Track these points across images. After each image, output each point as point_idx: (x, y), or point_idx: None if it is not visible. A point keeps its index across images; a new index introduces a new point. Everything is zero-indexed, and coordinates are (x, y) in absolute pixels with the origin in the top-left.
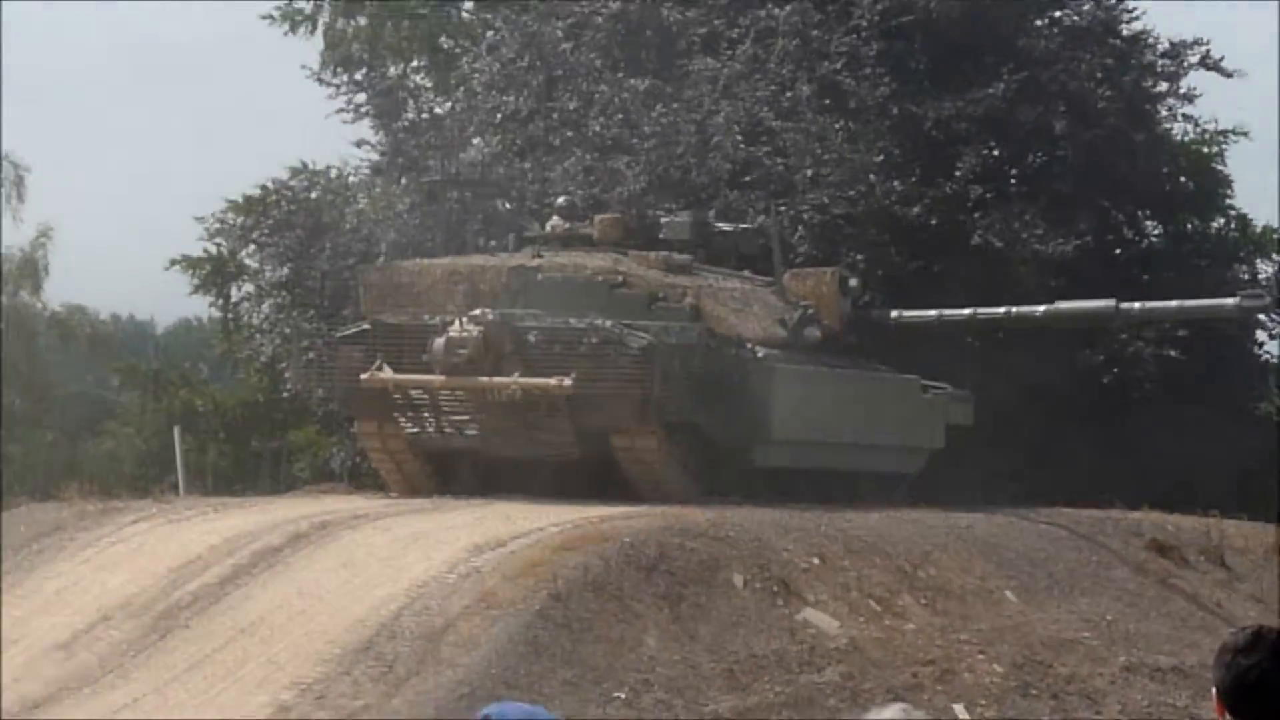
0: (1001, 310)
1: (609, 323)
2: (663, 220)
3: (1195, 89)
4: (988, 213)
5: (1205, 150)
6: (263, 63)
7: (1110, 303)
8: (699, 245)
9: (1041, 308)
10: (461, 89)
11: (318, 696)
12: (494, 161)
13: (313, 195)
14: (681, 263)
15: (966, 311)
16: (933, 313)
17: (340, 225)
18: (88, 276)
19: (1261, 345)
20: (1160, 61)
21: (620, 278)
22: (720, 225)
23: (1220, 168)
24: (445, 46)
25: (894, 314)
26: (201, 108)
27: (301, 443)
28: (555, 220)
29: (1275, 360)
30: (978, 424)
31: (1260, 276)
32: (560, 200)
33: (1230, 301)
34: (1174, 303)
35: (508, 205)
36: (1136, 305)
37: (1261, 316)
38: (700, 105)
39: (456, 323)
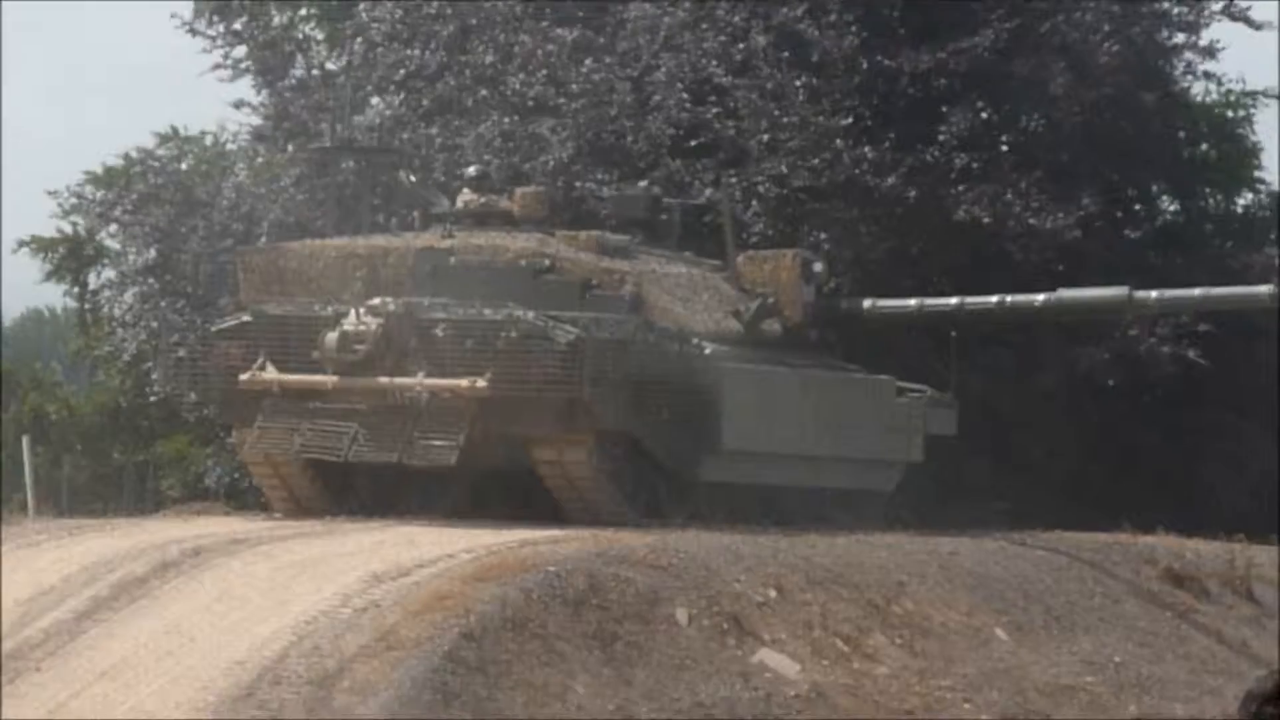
0: (994, 299)
1: (531, 314)
2: (606, 194)
3: (1218, 42)
4: (974, 184)
5: (1230, 114)
6: (124, 10)
7: (1122, 290)
8: (644, 225)
9: (1041, 296)
10: (358, 41)
11: None
12: (396, 126)
13: (184, 166)
14: (618, 244)
15: (953, 301)
16: (912, 302)
17: (216, 201)
18: None
19: None
20: (1176, 10)
21: (547, 261)
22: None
23: (1248, 134)
24: None
25: (866, 303)
26: (53, 64)
27: (171, 455)
28: (467, 194)
29: None
30: (962, 433)
31: None
32: (471, 170)
33: (1265, 289)
34: (1197, 290)
35: (412, 177)
36: (1153, 294)
37: None
38: (637, 59)
39: (352, 314)
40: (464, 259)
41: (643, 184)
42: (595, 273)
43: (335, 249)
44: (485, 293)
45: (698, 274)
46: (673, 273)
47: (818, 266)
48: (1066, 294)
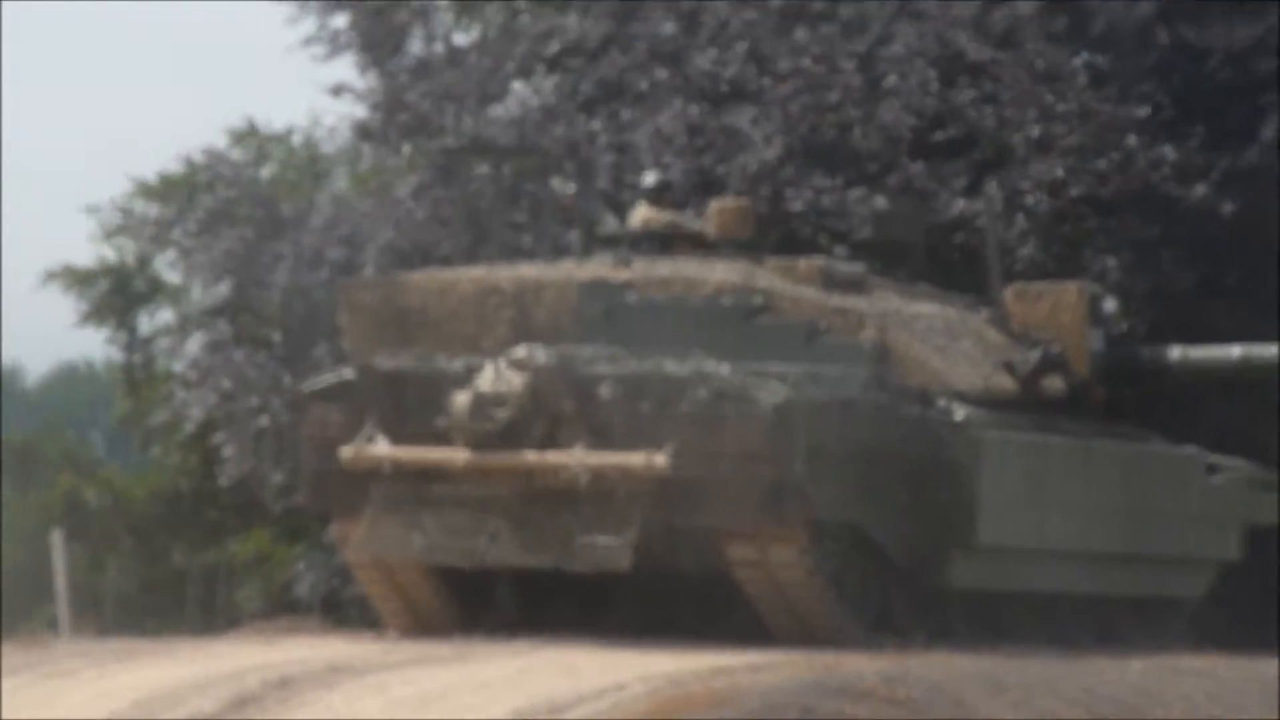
0: None
1: (726, 368)
2: (863, 209)
3: None
4: None
5: None
6: None
7: None
8: (898, 252)
9: None
10: (495, 6)
11: None
12: (546, 119)
13: (265, 172)
14: (850, 276)
15: None
16: (1236, 351)
17: (308, 219)
18: None
19: None
20: None
21: (759, 299)
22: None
23: None
24: None
25: (1174, 353)
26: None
27: (249, 556)
28: (645, 209)
29: None
30: None
31: None
32: (650, 178)
33: None
34: None
35: (570, 187)
36: None
37: None
38: (866, 29)
39: (489, 368)
40: (647, 295)
41: (901, 200)
42: (823, 313)
43: (471, 282)
44: (677, 340)
45: (953, 314)
46: (923, 313)
47: (1110, 304)
48: None
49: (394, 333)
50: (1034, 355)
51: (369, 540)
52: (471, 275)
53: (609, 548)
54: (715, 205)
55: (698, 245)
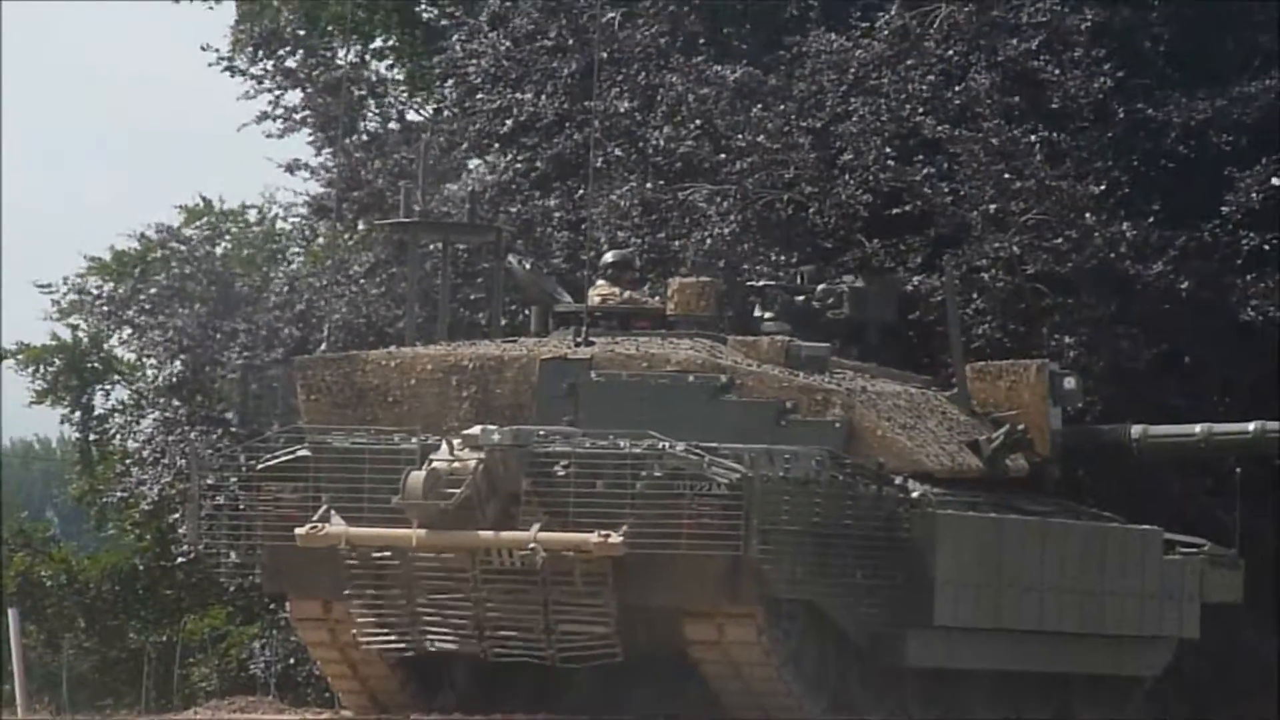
0: None
1: (680, 447)
2: (833, 286)
3: None
4: (1268, 273)
5: None
6: (139, 42)
7: None
8: (854, 330)
9: None
10: (450, 83)
11: None
12: (500, 195)
13: (219, 249)
14: (814, 354)
15: (1250, 427)
16: (1198, 429)
17: (263, 296)
18: None
19: None
20: None
21: (723, 377)
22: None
23: None
24: (425, 18)
25: (1135, 431)
26: (46, 116)
27: (205, 635)
28: (602, 286)
29: None
30: (1250, 600)
31: None
32: (610, 256)
33: None
34: None
35: (526, 263)
36: None
37: None
38: (821, 105)
39: (444, 447)
40: (609, 374)
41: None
42: (789, 392)
43: (431, 360)
44: (641, 418)
45: (916, 393)
46: (887, 391)
47: (1070, 383)
48: None
49: (353, 411)
50: (1000, 433)
51: (325, 619)
52: (432, 353)
53: (598, 637)
54: (679, 283)
55: (657, 323)
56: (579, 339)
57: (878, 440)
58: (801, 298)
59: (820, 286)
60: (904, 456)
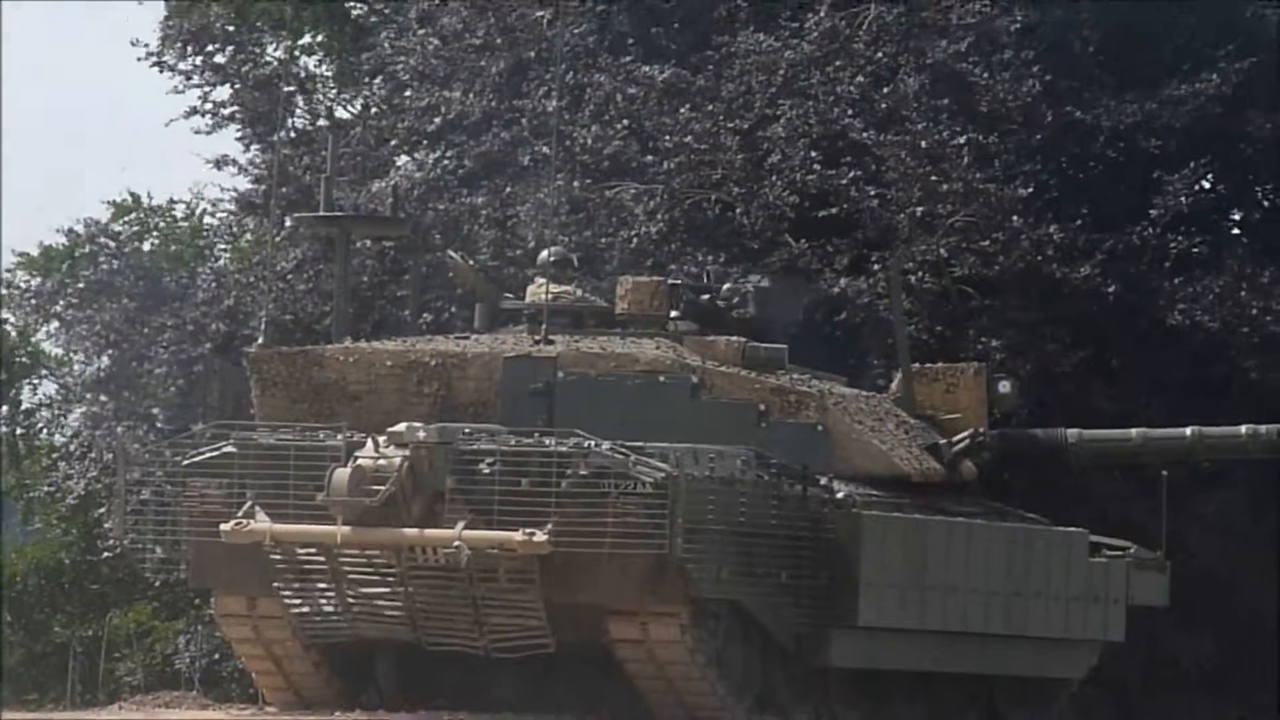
0: (1242, 430)
1: (606, 445)
2: (738, 286)
3: None
4: (1196, 278)
5: None
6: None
7: None
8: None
9: None
10: (379, 80)
11: None
12: (428, 192)
13: (147, 245)
14: (771, 356)
15: (1186, 432)
16: (1134, 434)
17: (190, 292)
18: None
19: None
20: None
21: (695, 378)
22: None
23: None
24: (355, 14)
25: (1072, 435)
26: None
27: (130, 629)
28: (541, 283)
29: None
30: (1176, 603)
31: None
32: (547, 253)
33: None
34: None
35: (456, 255)
36: None
37: None
38: (749, 107)
39: (369, 443)
40: (579, 374)
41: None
42: (761, 394)
43: (391, 355)
44: (613, 419)
45: (867, 396)
46: (847, 394)
47: (1005, 386)
48: None
49: (309, 406)
50: (963, 438)
51: (249, 615)
52: (391, 348)
53: (529, 630)
54: (627, 281)
55: (605, 321)
56: (538, 337)
57: (854, 443)
58: (707, 296)
59: (726, 286)
60: (879, 460)
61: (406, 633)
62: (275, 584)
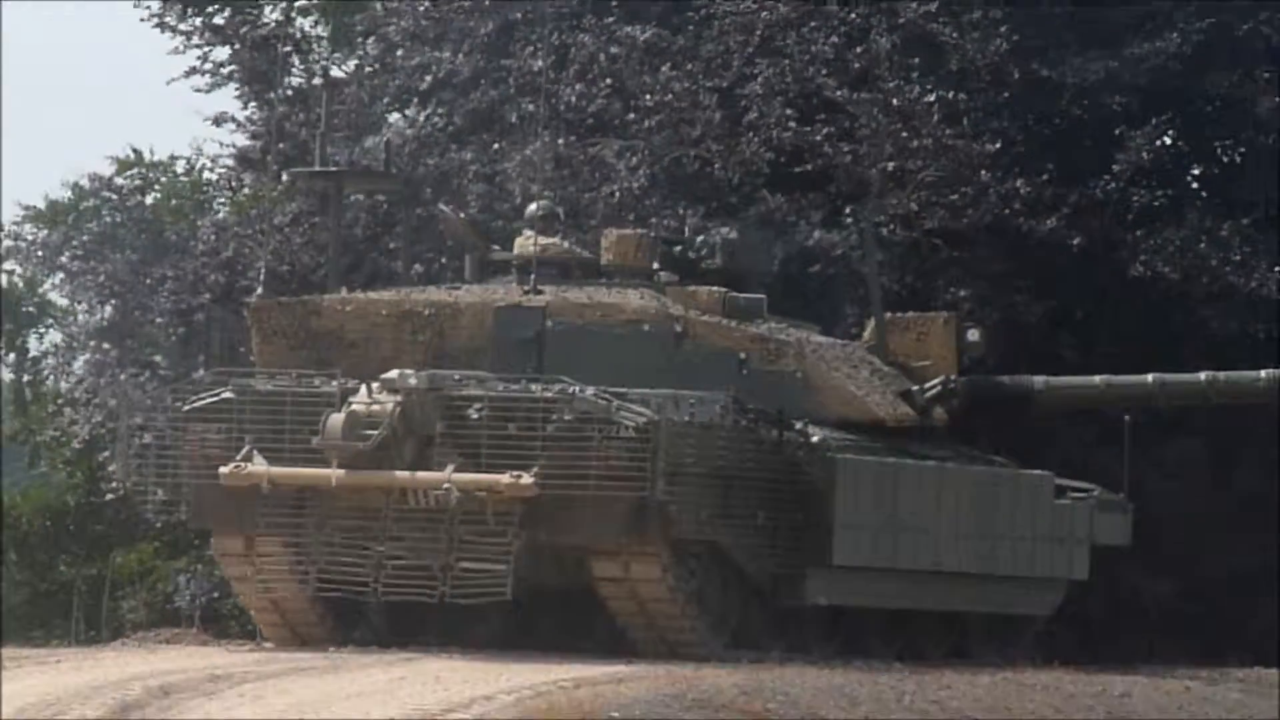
0: (1202, 377)
1: (590, 390)
2: (711, 238)
3: None
4: (1157, 230)
5: None
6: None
7: None
8: (734, 278)
9: (1263, 373)
10: (372, 41)
11: None
12: (419, 148)
13: (149, 199)
14: (750, 305)
15: (1149, 379)
16: (1098, 380)
17: (190, 244)
18: None
19: None
20: None
21: (678, 326)
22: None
23: None
24: None
25: (1039, 382)
26: None
27: (133, 569)
28: (529, 236)
29: None
30: (1138, 543)
31: None
32: (535, 206)
33: None
34: None
35: (462, 213)
36: None
37: None
38: (727, 66)
39: (363, 390)
40: (567, 322)
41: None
42: (742, 342)
43: (387, 305)
44: (601, 366)
45: (842, 344)
46: (824, 342)
47: (973, 334)
48: None
49: (308, 354)
50: (935, 385)
51: (247, 554)
52: (386, 298)
53: (490, 575)
54: (612, 234)
55: (591, 271)
56: (527, 288)
57: (831, 390)
58: (679, 248)
59: (699, 238)
60: (855, 405)
61: (367, 590)
62: (271, 526)
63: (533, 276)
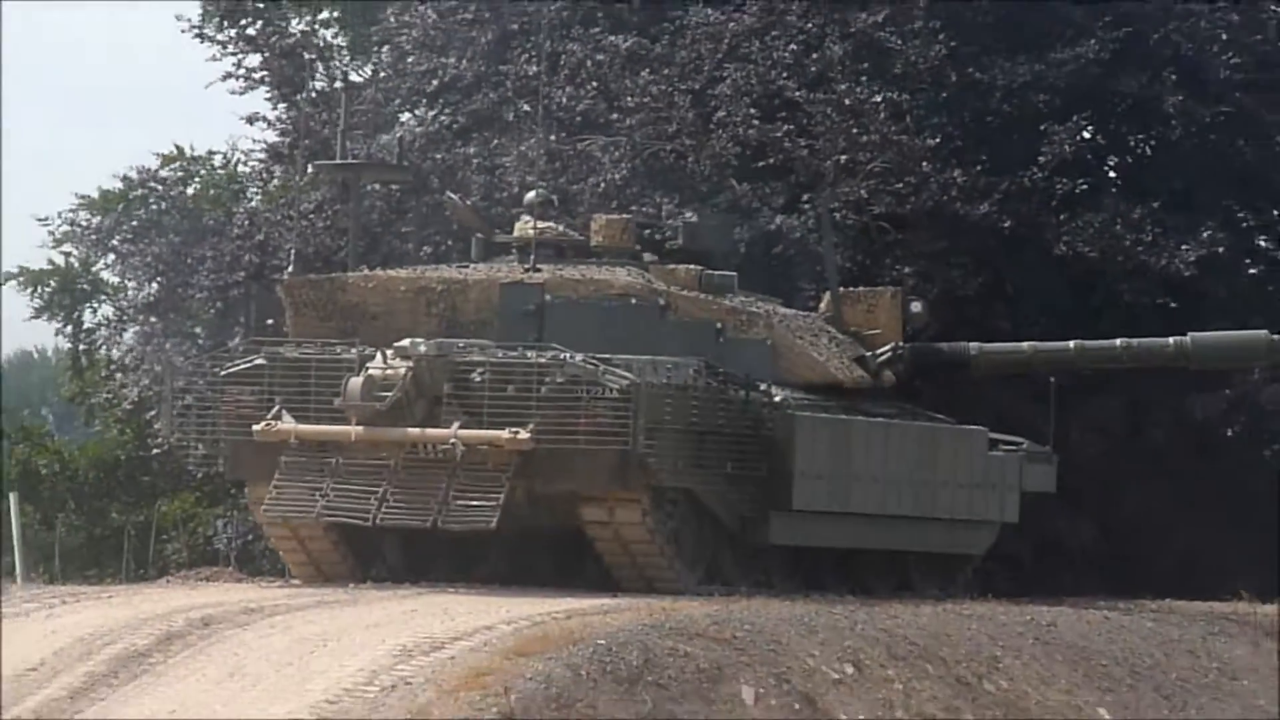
0: (1118, 343)
1: (579, 356)
2: (673, 221)
3: None
4: (1078, 214)
5: None
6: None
7: (1261, 335)
8: (707, 257)
9: (1171, 340)
10: (386, 49)
11: None
12: (428, 144)
13: (190, 189)
14: (723, 282)
15: (1070, 345)
16: (1025, 346)
17: (226, 229)
18: None
19: None
20: None
21: (662, 300)
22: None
23: None
24: None
25: (973, 348)
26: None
27: (176, 515)
28: (527, 221)
29: None
30: (1063, 491)
31: None
32: (532, 195)
33: None
34: None
35: (455, 196)
36: None
37: None
38: (699, 70)
39: (379, 356)
40: (564, 297)
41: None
42: (719, 314)
43: (404, 282)
44: (593, 335)
45: (802, 316)
46: (788, 313)
47: (916, 306)
48: (1200, 338)
49: (335, 325)
50: (885, 351)
51: (278, 503)
52: (404, 275)
53: (480, 509)
54: (604, 219)
55: (582, 252)
56: (527, 266)
57: (796, 356)
58: (649, 230)
59: (669, 222)
60: (817, 369)
61: (364, 517)
62: (297, 476)
63: (532, 257)
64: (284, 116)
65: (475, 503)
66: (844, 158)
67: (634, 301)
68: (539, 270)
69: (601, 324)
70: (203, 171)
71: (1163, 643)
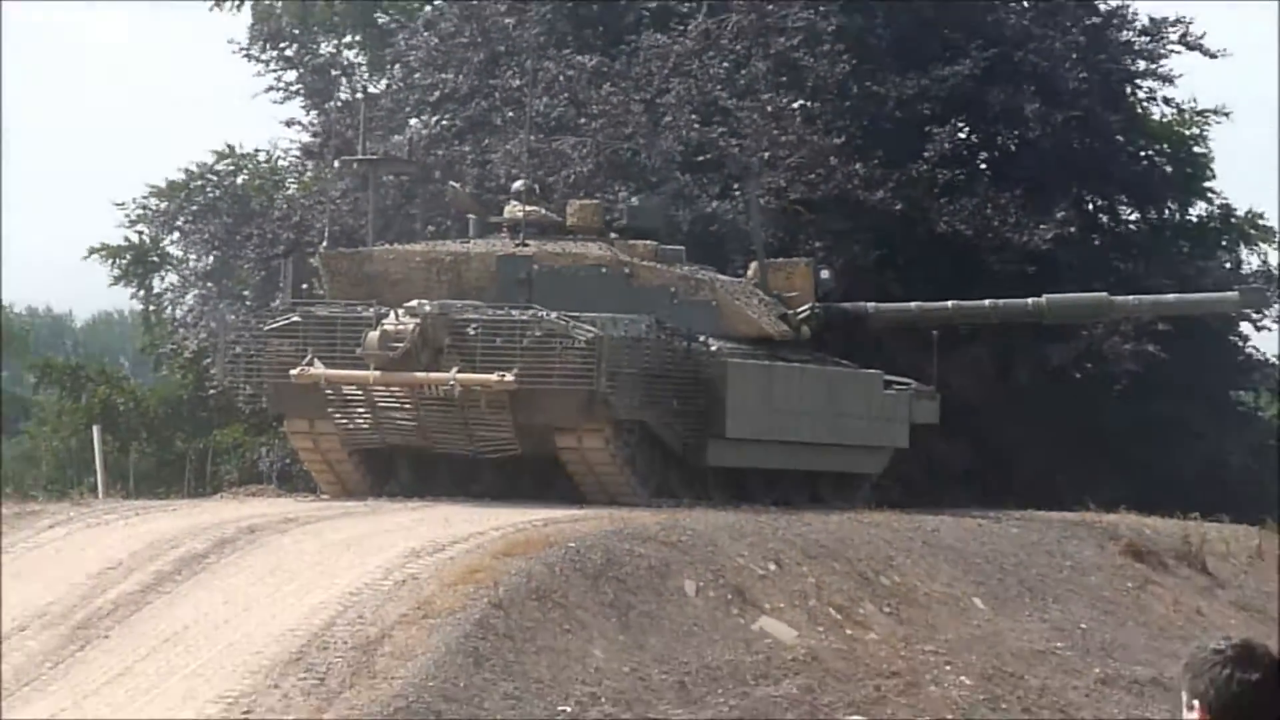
0: (987, 303)
1: (554, 314)
2: (623, 205)
3: (1175, 70)
4: (956, 199)
5: (1184, 131)
6: (187, 41)
7: (1103, 296)
8: (653, 234)
9: (1030, 300)
10: (397, 66)
11: (245, 711)
12: (432, 143)
13: (239, 180)
14: (673, 254)
15: (949, 305)
16: (913, 306)
17: (269, 212)
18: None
19: (1246, 339)
20: (1138, 40)
21: (627, 270)
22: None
23: (1201, 150)
24: (380, 21)
25: (871, 308)
26: (122, 91)
27: (228, 443)
28: (515, 205)
29: (1267, 357)
30: (944, 422)
31: (1246, 268)
32: (518, 184)
33: (1232, 295)
34: (1171, 296)
35: (456, 185)
36: (1132, 299)
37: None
38: (650, 83)
39: (392, 314)
40: (548, 266)
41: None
42: (673, 280)
43: (419, 254)
44: (579, 299)
45: (737, 282)
46: (727, 280)
47: (825, 274)
48: (1053, 299)
49: (363, 290)
50: (805, 310)
51: (310, 431)
52: (419, 249)
53: (503, 440)
54: (578, 204)
55: (561, 231)
56: (518, 242)
57: (736, 314)
58: (608, 214)
59: (620, 205)
60: (752, 325)
61: (420, 441)
62: (328, 410)
63: (521, 235)
64: (315, 121)
65: (497, 434)
66: (767, 154)
67: (604, 271)
68: (527, 245)
69: (579, 289)
70: (250, 165)
71: (1025, 545)
